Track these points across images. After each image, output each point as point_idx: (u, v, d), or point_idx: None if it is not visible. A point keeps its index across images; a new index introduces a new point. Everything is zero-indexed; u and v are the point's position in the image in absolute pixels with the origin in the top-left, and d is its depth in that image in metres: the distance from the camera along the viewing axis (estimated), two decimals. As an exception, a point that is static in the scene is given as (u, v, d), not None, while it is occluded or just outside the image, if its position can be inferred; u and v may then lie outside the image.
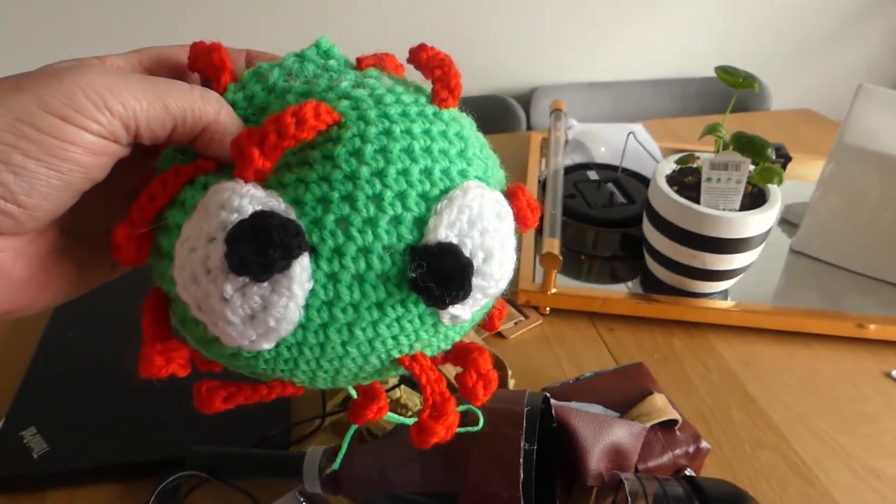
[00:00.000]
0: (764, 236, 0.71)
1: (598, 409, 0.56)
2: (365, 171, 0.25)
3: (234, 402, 0.29)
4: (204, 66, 0.28)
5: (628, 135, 0.89)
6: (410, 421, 0.29)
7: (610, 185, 0.88)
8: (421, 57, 0.29)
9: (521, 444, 0.42)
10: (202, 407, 0.28)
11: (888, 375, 0.70)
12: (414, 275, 0.25)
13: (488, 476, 0.41)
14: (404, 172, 0.26)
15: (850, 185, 0.79)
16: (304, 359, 0.27)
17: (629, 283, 0.80)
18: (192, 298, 0.25)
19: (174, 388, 0.63)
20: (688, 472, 0.57)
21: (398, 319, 0.27)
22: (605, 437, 0.52)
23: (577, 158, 0.95)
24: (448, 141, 0.28)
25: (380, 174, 0.25)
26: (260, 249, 0.23)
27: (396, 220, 0.25)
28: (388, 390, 0.56)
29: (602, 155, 0.96)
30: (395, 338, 0.27)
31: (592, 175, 0.90)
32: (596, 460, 0.51)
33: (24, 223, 0.24)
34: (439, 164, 0.27)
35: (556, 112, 1.01)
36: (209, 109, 0.26)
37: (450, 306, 0.26)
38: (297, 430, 0.60)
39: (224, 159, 0.27)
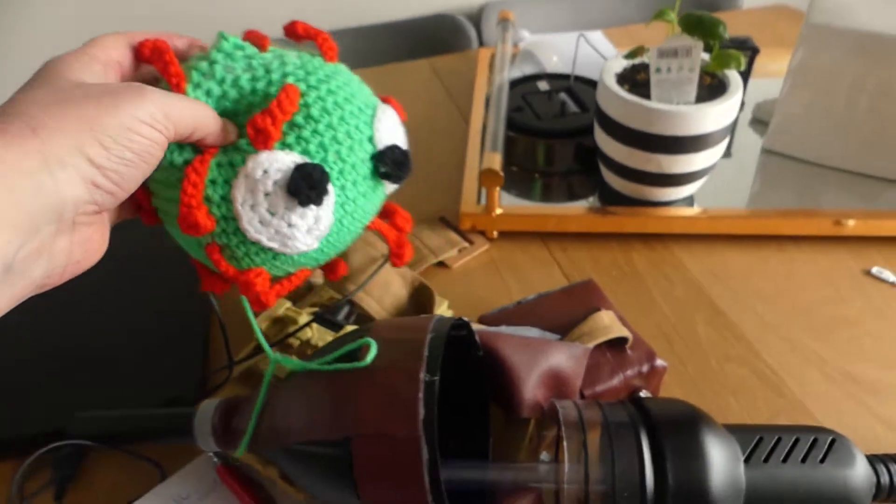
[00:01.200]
0: (726, 131, 0.64)
1: (533, 332, 0.50)
2: (335, 118, 0.37)
3: (286, 291, 0.40)
4: (160, 68, 0.37)
5: (578, 37, 0.81)
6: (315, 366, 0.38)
7: (562, 95, 0.80)
8: (298, 30, 0.42)
9: (421, 375, 0.35)
10: (260, 301, 0.38)
11: (868, 273, 0.64)
12: (385, 169, 0.39)
13: (382, 416, 0.35)
14: (353, 110, 0.39)
15: (822, 71, 0.71)
16: (329, 244, 0.40)
17: (589, 199, 0.73)
18: (265, 235, 0.36)
19: (64, 356, 0.57)
20: (642, 393, 0.51)
21: (374, 200, 0.41)
22: (541, 362, 0.46)
23: (528, 70, 0.87)
24: (353, 82, 0.41)
25: (342, 117, 0.38)
26: (312, 186, 0.35)
27: (362, 140, 0.39)
28: (299, 328, 0.49)
29: (554, 65, 0.87)
30: (372, 212, 0.41)
31: (543, 86, 0.82)
32: (532, 388, 0.45)
33: (118, 200, 0.33)
34: (361, 98, 0.40)
35: (504, 23, 0.92)
36: (210, 118, 0.36)
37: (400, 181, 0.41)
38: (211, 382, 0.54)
39: (217, 144, 0.37)
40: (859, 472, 0.42)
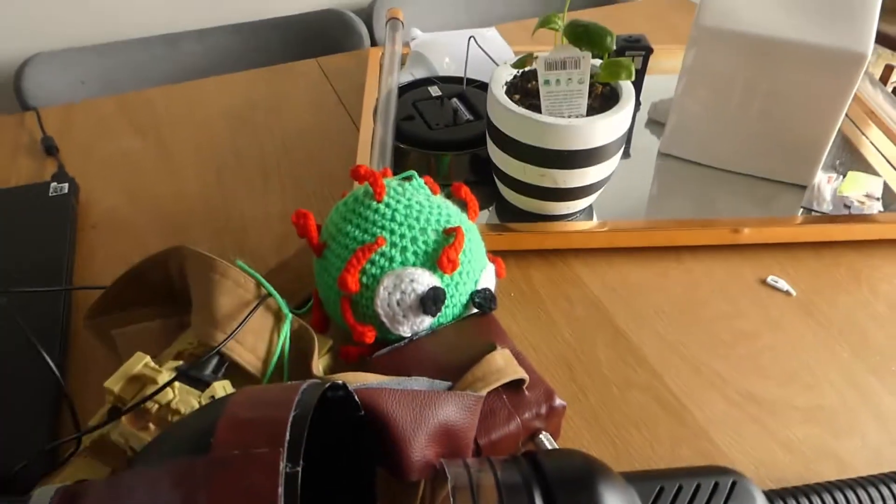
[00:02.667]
0: (619, 143, 0.61)
1: (422, 382, 0.46)
2: (467, 258, 0.52)
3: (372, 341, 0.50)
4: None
5: (469, 39, 0.77)
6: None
7: (454, 101, 0.76)
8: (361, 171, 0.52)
9: (281, 466, 0.31)
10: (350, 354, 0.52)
11: (764, 283, 0.63)
12: (479, 300, 0.52)
13: (236, 516, 0.30)
14: (478, 254, 0.54)
15: (714, 73, 0.69)
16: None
17: (487, 213, 0.70)
18: (385, 314, 0.50)
19: None
20: (542, 435, 0.48)
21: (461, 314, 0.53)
22: (430, 417, 0.42)
23: (419, 73, 0.83)
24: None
25: (470, 260, 0.52)
26: (436, 304, 0.49)
27: (476, 280, 0.53)
28: (158, 390, 0.44)
29: (447, 67, 0.83)
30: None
31: (434, 91, 0.78)
32: (420, 448, 0.41)
33: None
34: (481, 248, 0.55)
35: (393, 22, 0.87)
36: None
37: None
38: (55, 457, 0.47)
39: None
40: (761, 514, 0.41)
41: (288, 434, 0.32)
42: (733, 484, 0.41)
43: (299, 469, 0.31)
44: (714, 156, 0.74)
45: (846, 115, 0.70)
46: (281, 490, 0.30)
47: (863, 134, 0.79)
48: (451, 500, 0.37)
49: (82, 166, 0.77)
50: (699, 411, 0.53)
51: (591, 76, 0.59)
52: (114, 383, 0.45)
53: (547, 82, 0.58)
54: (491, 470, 0.39)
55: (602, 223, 0.67)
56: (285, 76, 0.95)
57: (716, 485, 0.41)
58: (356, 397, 0.40)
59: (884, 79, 1.45)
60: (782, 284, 0.63)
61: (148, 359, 0.46)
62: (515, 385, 0.47)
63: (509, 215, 0.68)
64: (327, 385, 0.37)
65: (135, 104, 0.88)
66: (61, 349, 0.56)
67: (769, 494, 0.43)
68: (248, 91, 0.91)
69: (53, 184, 0.71)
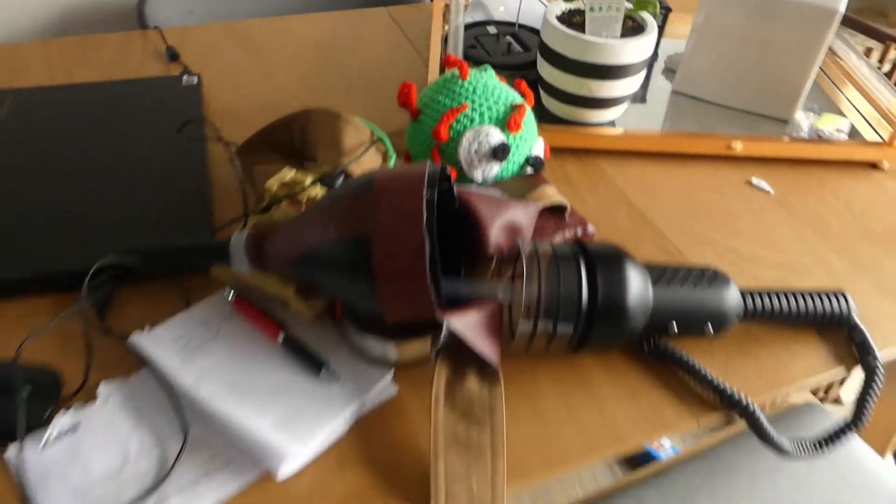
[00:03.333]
0: (643, 64, 0.79)
1: (495, 192, 0.63)
2: (527, 128, 0.70)
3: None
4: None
5: (523, -10, 0.95)
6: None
7: (508, 38, 0.94)
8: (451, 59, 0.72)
9: (423, 191, 0.48)
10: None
11: (748, 183, 0.80)
12: (532, 163, 0.71)
13: (396, 220, 0.47)
14: (533, 128, 0.72)
15: (720, 28, 0.87)
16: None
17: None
18: (465, 160, 0.67)
19: (87, 199, 0.66)
20: (577, 252, 0.65)
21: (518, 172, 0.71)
22: (503, 213, 0.59)
23: (478, 17, 1.00)
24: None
25: (529, 130, 0.71)
26: (503, 153, 0.66)
27: (530, 147, 0.70)
28: (307, 187, 0.60)
29: (501, 14, 1.01)
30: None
31: (492, 30, 0.95)
32: (496, 234, 0.58)
33: None
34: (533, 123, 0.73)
35: (456, -24, 1.05)
36: None
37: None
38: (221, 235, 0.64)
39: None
40: (733, 296, 0.58)
41: (426, 175, 0.49)
42: (714, 274, 0.58)
43: (435, 194, 0.48)
44: (716, 93, 0.91)
45: (825, 72, 0.87)
46: (424, 207, 0.47)
47: (839, 90, 0.97)
48: (523, 262, 0.54)
49: (199, 71, 0.94)
50: (694, 258, 0.69)
51: (624, 11, 0.77)
52: (272, 184, 0.62)
53: (591, 9, 0.75)
54: (550, 245, 0.55)
55: (625, 131, 0.84)
56: (356, 20, 1.12)
57: (702, 272, 0.58)
58: (455, 191, 0.57)
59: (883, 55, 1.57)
60: (764, 185, 0.80)
61: (294, 171, 0.63)
62: (559, 211, 0.64)
63: (549, 123, 0.85)
64: (442, 167, 0.54)
65: (238, 30, 1.06)
66: (205, 179, 0.73)
67: (741, 290, 0.60)
68: (331, 28, 1.08)
69: (185, 76, 0.88)
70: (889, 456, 1.07)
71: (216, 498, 0.46)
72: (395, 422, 0.53)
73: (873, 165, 0.84)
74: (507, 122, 0.66)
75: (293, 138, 0.72)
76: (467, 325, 0.51)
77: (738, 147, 0.82)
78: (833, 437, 0.58)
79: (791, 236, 0.74)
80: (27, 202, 0.67)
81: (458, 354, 0.53)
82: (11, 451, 0.48)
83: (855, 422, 0.58)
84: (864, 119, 0.90)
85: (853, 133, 0.87)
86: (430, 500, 0.47)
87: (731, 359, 0.60)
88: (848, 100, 0.94)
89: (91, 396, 0.52)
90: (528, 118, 0.69)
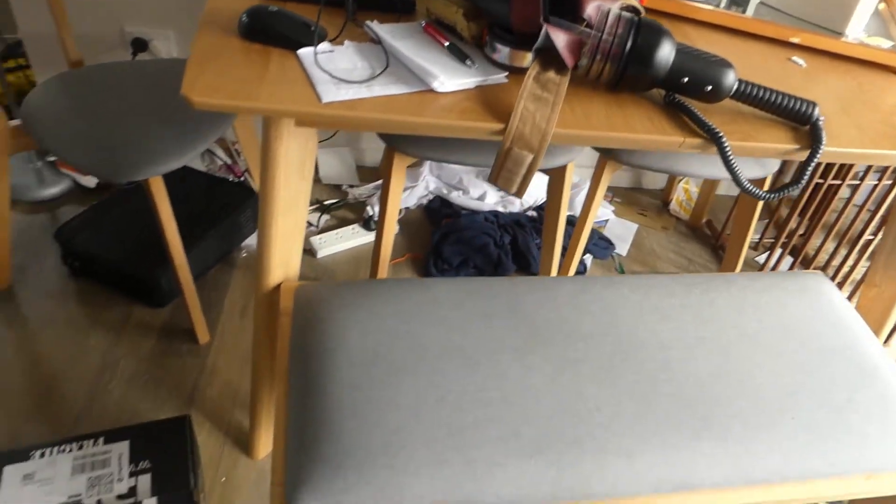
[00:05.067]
0: (730, -39, 1.11)
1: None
2: None
3: None
4: None
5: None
6: None
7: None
8: None
9: (550, -51, 0.84)
10: None
11: (789, 60, 1.10)
12: None
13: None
14: None
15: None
16: None
17: None
18: None
19: None
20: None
21: None
22: None
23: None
24: None
25: None
26: None
27: None
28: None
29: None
30: None
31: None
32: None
33: None
34: None
35: None
36: None
37: None
38: None
39: None
40: (731, 76, 0.89)
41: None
42: (722, 59, 0.90)
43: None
44: (792, 6, 1.21)
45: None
46: (548, -44, 0.84)
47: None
48: (598, 18, 0.89)
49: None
50: (724, 77, 1.01)
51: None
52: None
53: None
54: (618, 9, 0.90)
55: (716, 7, 1.16)
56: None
57: (714, 55, 0.90)
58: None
59: None
60: (800, 61, 1.09)
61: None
62: None
63: None
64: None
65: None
66: None
67: (739, 77, 0.91)
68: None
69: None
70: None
71: (403, 91, 0.86)
72: (503, 96, 0.89)
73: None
74: None
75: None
76: (559, 37, 0.87)
77: (797, 39, 1.12)
78: (786, 186, 0.89)
79: (815, 95, 1.03)
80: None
81: (548, 57, 0.89)
82: (301, 52, 0.90)
83: (796, 180, 0.89)
84: (905, 44, 1.16)
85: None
86: (510, 122, 0.83)
87: (720, 123, 0.91)
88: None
89: (339, 43, 0.93)
90: None
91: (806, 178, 0.89)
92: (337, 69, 0.86)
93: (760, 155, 0.90)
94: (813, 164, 0.89)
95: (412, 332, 1.00)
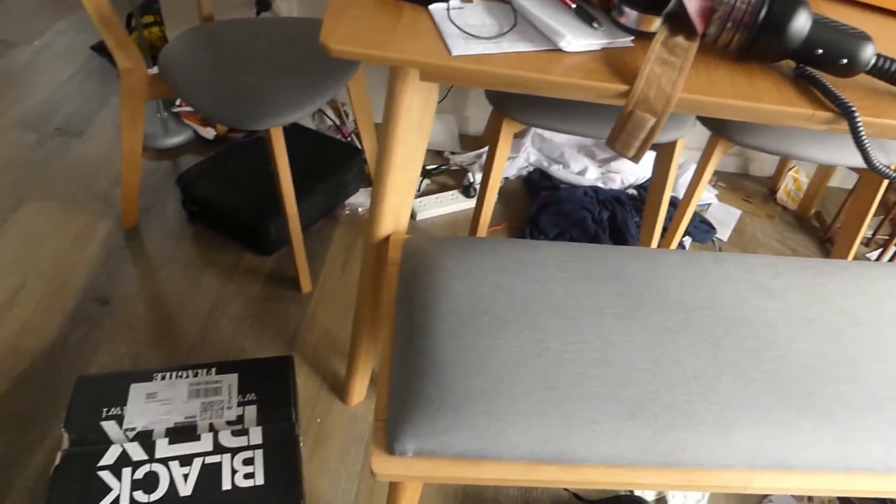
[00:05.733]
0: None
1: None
2: None
3: None
4: None
5: None
6: None
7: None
8: None
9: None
10: None
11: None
12: None
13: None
14: None
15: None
16: None
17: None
18: None
19: None
20: None
21: None
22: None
23: None
24: None
25: None
26: None
27: None
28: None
29: None
30: None
31: None
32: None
33: None
34: None
35: None
36: None
37: None
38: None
39: None
40: (870, 50, 0.86)
41: None
42: (861, 32, 0.87)
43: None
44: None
45: None
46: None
47: None
48: (733, -16, 0.87)
49: None
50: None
51: None
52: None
53: None
54: (753, -17, 0.88)
55: (846, -11, 1.11)
56: None
57: (853, 28, 0.87)
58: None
59: None
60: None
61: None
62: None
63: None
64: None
65: None
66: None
67: (879, 52, 0.88)
68: None
69: None
70: None
71: (529, 48, 0.87)
72: (628, 59, 0.90)
73: None
74: None
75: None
76: (690, 2, 0.86)
77: (934, 14, 1.07)
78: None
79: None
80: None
81: (677, 22, 0.88)
82: (433, 7, 0.93)
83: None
84: None
85: None
86: (635, 84, 0.84)
87: (853, 98, 0.89)
88: None
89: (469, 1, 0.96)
90: None
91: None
92: (466, 24, 0.89)
93: (893, 135, 0.87)
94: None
95: (516, 287, 1.02)
